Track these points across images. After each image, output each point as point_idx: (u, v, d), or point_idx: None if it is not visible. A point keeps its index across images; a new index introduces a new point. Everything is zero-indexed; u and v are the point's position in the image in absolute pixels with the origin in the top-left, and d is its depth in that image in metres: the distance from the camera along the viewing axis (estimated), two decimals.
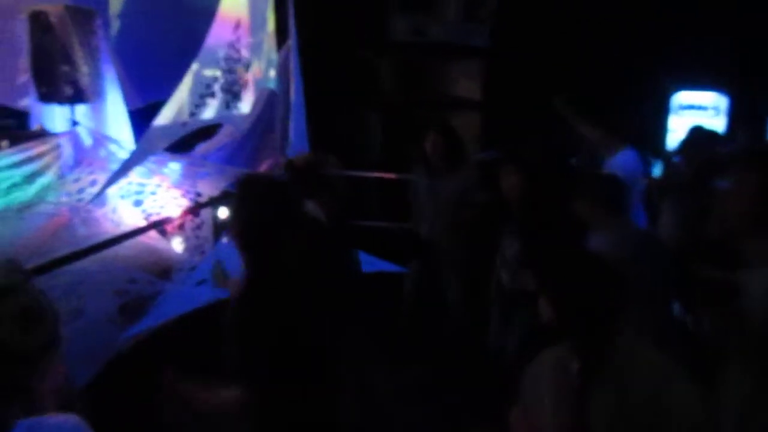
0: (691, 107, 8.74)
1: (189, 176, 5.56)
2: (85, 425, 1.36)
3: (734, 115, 8.45)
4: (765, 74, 8.74)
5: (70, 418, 1.33)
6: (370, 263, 5.95)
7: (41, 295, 1.26)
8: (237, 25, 5.18)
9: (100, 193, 4.42)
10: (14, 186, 4.86)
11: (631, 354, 1.74)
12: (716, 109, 8.62)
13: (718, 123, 8.25)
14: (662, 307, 3.18)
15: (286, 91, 6.06)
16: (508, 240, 3.91)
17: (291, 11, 5.76)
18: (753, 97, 8.45)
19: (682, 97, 8.86)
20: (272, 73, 6.07)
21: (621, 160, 4.62)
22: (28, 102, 5.65)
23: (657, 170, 6.19)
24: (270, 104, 6.11)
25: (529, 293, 3.46)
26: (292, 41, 6.00)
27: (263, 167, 6.13)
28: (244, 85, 5.38)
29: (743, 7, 7.76)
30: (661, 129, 8.47)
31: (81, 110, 5.41)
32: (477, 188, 4.99)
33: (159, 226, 5.16)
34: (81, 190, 4.93)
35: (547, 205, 3.83)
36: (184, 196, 5.55)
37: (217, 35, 4.93)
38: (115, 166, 4.66)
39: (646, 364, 1.73)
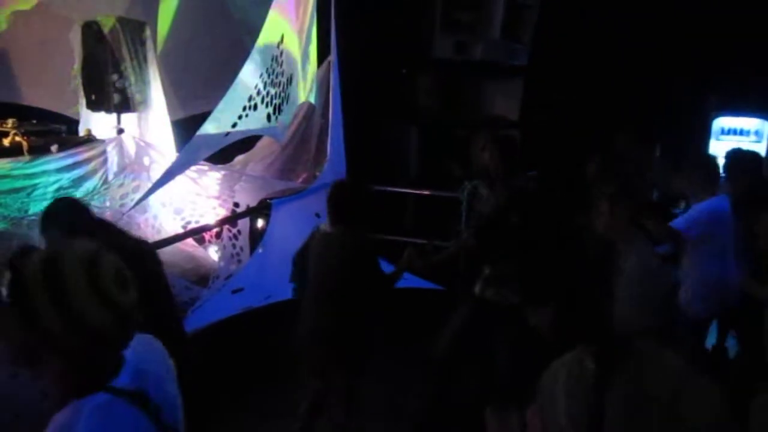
0: (732, 132, 8.60)
1: (227, 186, 5.68)
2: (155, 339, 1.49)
3: None
4: None
5: (145, 335, 1.44)
6: (405, 279, 5.98)
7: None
8: (281, 40, 5.28)
9: (143, 199, 4.54)
10: (62, 189, 5.03)
11: (647, 355, 1.74)
12: (758, 133, 8.47)
13: (760, 148, 8.10)
14: None
15: (325, 106, 6.15)
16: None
17: (333, 27, 5.85)
18: None
19: (723, 122, 8.73)
20: (312, 87, 6.17)
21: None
22: (78, 109, 5.84)
23: None
24: (309, 118, 6.21)
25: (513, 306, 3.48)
26: (333, 57, 6.09)
27: (299, 180, 6.22)
28: (285, 99, 5.48)
29: None
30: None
31: (127, 118, 5.58)
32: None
33: (198, 233, 5.27)
34: (125, 196, 5.08)
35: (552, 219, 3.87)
36: (222, 205, 5.67)
37: (262, 49, 5.04)
38: (157, 174, 4.78)
39: (663, 366, 1.72)
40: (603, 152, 5.18)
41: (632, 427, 1.67)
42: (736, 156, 5.57)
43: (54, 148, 5.25)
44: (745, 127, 8.57)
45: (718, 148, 8.28)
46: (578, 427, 1.74)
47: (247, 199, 5.63)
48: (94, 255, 1.28)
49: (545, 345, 1.92)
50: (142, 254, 2.68)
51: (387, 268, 6.01)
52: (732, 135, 8.64)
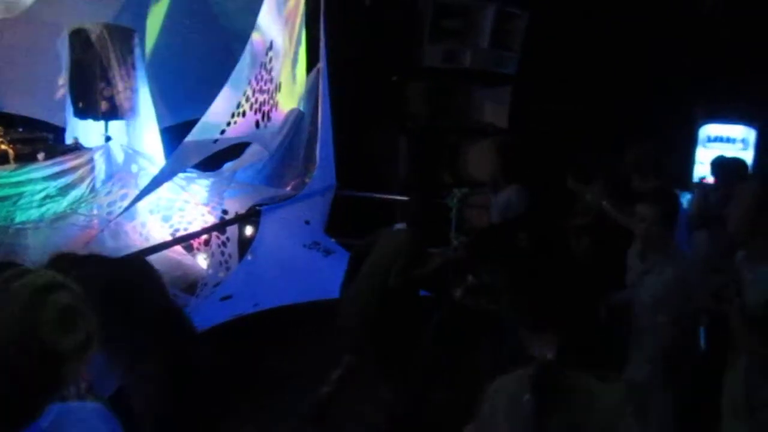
0: (719, 139, 8.67)
1: (216, 193, 5.66)
2: (105, 410, 1.41)
3: (762, 148, 8.37)
4: None
5: (91, 403, 1.39)
6: None
7: (78, 295, 1.27)
8: (269, 47, 5.29)
9: (130, 207, 4.52)
10: (49, 197, 5.00)
11: (584, 391, 1.77)
12: (744, 141, 8.54)
13: (746, 155, 8.16)
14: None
15: (315, 113, 6.15)
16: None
17: (322, 35, 5.87)
18: None
19: (710, 130, 8.79)
20: (302, 94, 6.17)
21: None
22: (65, 117, 5.80)
23: (685, 202, 6.14)
24: (297, 125, 6.21)
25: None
26: (322, 64, 6.10)
27: (288, 187, 6.20)
28: (273, 106, 5.47)
29: None
30: (688, 161, 8.41)
31: (115, 126, 5.55)
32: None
33: (185, 240, 5.24)
34: (112, 204, 5.05)
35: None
36: (210, 212, 5.64)
37: (250, 56, 5.04)
38: (145, 181, 4.76)
39: (597, 404, 1.76)
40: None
41: None
42: (721, 163, 5.63)
43: (41, 156, 5.22)
44: (732, 135, 8.64)
45: (705, 156, 8.35)
46: None
47: (236, 206, 5.60)
48: (40, 294, 1.22)
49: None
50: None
51: None
52: (719, 142, 8.71)
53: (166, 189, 5.24)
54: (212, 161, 5.74)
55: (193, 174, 5.62)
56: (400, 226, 4.10)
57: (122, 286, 1.99)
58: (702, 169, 8.22)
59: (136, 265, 2.74)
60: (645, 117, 7.90)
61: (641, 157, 4.67)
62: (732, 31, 7.93)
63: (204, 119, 4.36)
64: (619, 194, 4.45)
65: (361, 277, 3.96)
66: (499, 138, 5.53)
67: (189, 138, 4.21)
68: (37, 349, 1.19)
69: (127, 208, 4.50)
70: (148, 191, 4.24)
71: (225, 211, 5.59)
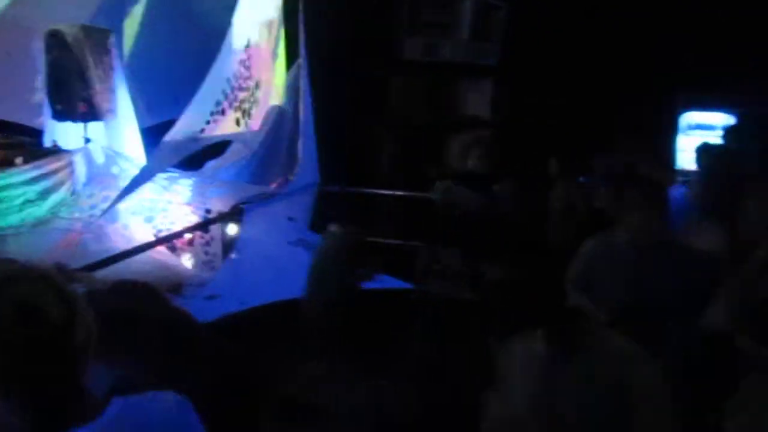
0: (700, 127, 8.73)
1: (199, 193, 5.63)
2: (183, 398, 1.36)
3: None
4: None
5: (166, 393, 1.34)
6: (380, 280, 5.98)
7: (50, 292, 1.22)
8: (247, 45, 5.26)
9: (111, 208, 4.48)
10: (28, 202, 4.94)
11: (597, 338, 1.78)
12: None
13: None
14: None
15: (296, 110, 6.13)
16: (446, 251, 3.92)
17: (302, 30, 5.84)
18: (763, 117, 8.43)
19: (691, 117, 8.85)
20: (282, 91, 6.15)
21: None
22: (43, 120, 5.74)
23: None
24: (280, 122, 6.18)
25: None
26: (302, 60, 6.08)
27: (273, 185, 6.18)
28: (254, 103, 5.45)
29: (753, 28, 7.78)
30: (670, 148, 8.46)
31: (94, 128, 5.50)
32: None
33: (169, 240, 5.21)
34: (93, 206, 5.01)
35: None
36: (194, 212, 5.61)
37: (229, 54, 5.01)
38: (126, 183, 4.72)
39: (611, 348, 1.77)
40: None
41: (582, 405, 1.71)
42: (706, 150, 5.67)
43: (18, 160, 5.16)
44: (713, 122, 8.70)
45: (687, 144, 8.40)
46: (534, 405, 1.78)
47: (219, 205, 5.58)
48: None
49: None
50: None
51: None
52: (700, 130, 8.76)
53: (147, 190, 5.21)
54: (194, 160, 5.71)
55: (175, 174, 5.58)
56: (333, 227, 3.93)
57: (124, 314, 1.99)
58: (684, 157, 8.27)
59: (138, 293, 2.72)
60: (626, 106, 7.95)
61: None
62: (712, 18, 7.99)
63: (182, 118, 4.33)
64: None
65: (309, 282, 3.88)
66: (483, 131, 5.53)
67: (167, 138, 4.18)
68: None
69: (107, 210, 4.47)
70: (127, 192, 4.21)
71: (208, 211, 5.56)
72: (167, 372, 1.80)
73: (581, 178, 6.19)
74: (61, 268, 3.13)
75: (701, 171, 5.38)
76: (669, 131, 8.55)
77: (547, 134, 7.19)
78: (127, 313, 2.19)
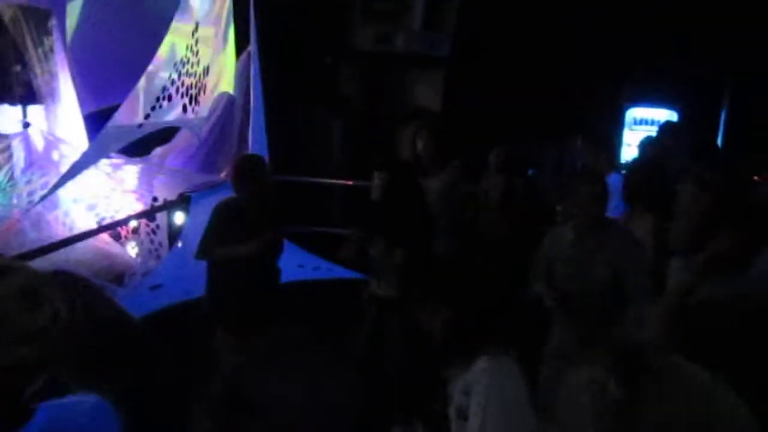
0: (644, 122, 9.00)
1: (145, 180, 5.51)
2: (105, 404, 1.35)
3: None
4: (715, 90, 9.05)
5: (91, 397, 1.33)
6: (329, 270, 5.97)
7: (39, 280, 1.24)
8: (195, 29, 5.15)
9: (50, 195, 4.34)
10: None
11: (670, 375, 1.63)
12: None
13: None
14: None
15: (246, 98, 6.04)
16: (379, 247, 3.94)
17: (252, 16, 5.75)
18: (703, 113, 8.74)
19: (635, 113, 9.12)
20: (231, 78, 6.05)
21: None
22: None
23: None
24: (229, 109, 6.09)
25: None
26: (252, 47, 5.98)
27: (222, 174, 6.09)
28: (202, 89, 5.34)
29: (696, 26, 8.03)
30: (616, 143, 8.69)
31: (34, 111, 5.31)
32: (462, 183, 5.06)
33: (111, 228, 5.09)
34: (32, 193, 4.84)
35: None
36: (139, 200, 5.49)
37: (175, 38, 4.90)
38: (67, 169, 4.58)
39: (687, 380, 1.61)
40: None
41: None
42: (644, 143, 5.88)
43: None
44: (656, 118, 8.97)
45: (631, 138, 8.64)
46: None
47: (166, 193, 5.47)
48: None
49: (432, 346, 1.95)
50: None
51: (312, 260, 6.01)
52: (644, 125, 9.04)
53: (90, 176, 5.06)
54: (141, 147, 5.57)
55: (119, 160, 5.44)
56: None
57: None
58: (629, 151, 8.52)
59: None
60: (574, 99, 8.12)
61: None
62: (654, 14, 8.21)
63: (126, 103, 4.22)
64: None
65: None
66: (428, 121, 5.56)
67: (111, 123, 4.07)
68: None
69: (45, 197, 4.32)
70: (68, 178, 4.08)
71: (155, 198, 5.45)
72: (96, 372, 1.76)
73: (530, 171, 6.32)
74: None
75: (638, 160, 5.60)
76: (614, 125, 8.77)
77: (492, 125, 7.28)
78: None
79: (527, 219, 5.10)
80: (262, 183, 3.91)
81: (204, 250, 3.95)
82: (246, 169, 3.97)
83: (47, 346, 1.20)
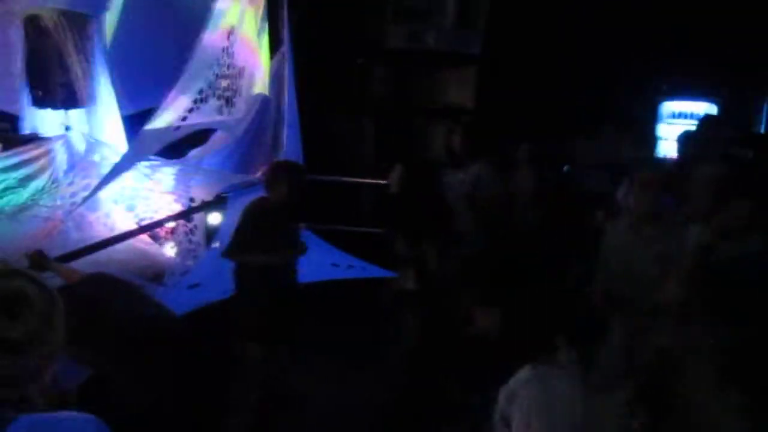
0: (682, 115, 8.82)
1: (182, 181, 5.60)
2: (100, 423, 1.29)
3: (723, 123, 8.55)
4: (753, 83, 8.83)
5: (83, 416, 1.28)
6: (362, 268, 6.00)
7: (32, 285, 1.23)
8: (231, 31, 5.22)
9: (91, 197, 4.45)
10: (8, 189, 4.89)
11: (695, 406, 1.61)
12: None
13: None
14: None
15: (280, 98, 6.11)
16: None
17: (286, 18, 5.81)
18: (742, 105, 8.54)
19: (673, 106, 8.94)
20: (266, 79, 6.12)
21: None
22: (21, 106, 5.66)
23: None
24: (263, 110, 6.16)
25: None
26: (285, 48, 6.04)
27: (258, 174, 6.17)
28: (237, 91, 5.42)
29: (732, 18, 7.86)
30: (651, 136, 8.54)
31: (75, 115, 5.44)
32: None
33: (150, 229, 5.19)
34: (74, 194, 4.96)
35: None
36: (176, 201, 5.59)
37: (211, 41, 4.97)
38: (107, 171, 4.69)
39: (713, 414, 1.59)
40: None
41: None
42: (686, 138, 5.77)
43: None
44: (695, 111, 8.79)
45: (669, 132, 8.48)
46: None
47: (203, 193, 5.55)
48: None
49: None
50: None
51: (341, 257, 6.05)
52: (681, 119, 8.86)
53: (129, 178, 5.17)
54: (177, 148, 5.67)
55: (157, 162, 5.54)
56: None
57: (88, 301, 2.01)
58: (666, 145, 8.36)
59: (104, 282, 2.73)
60: (609, 94, 8.01)
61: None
62: (693, 7, 8.05)
63: (164, 106, 4.30)
64: None
65: None
66: (462, 118, 5.56)
67: (149, 125, 4.16)
68: None
69: (87, 198, 4.43)
70: (108, 180, 4.18)
71: (192, 199, 5.54)
72: (132, 367, 1.80)
73: (565, 167, 6.26)
74: (41, 255, 3.12)
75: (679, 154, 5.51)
76: (649, 120, 8.62)
77: (525, 122, 7.22)
78: (97, 304, 2.19)
79: (561, 213, 5.05)
80: (294, 186, 3.93)
81: (230, 251, 3.98)
82: (280, 172, 4.00)
83: (22, 358, 1.18)
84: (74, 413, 1.28)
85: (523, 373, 1.84)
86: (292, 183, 3.93)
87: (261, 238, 3.84)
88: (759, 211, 2.60)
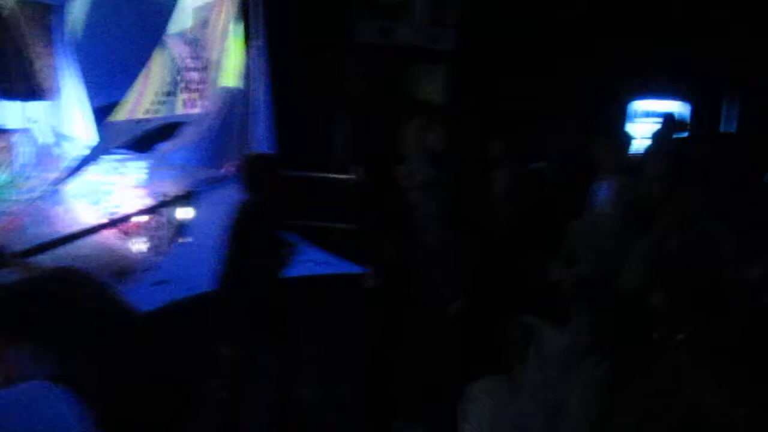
0: (651, 114, 8.91)
1: (150, 176, 5.50)
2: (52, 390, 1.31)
3: (695, 123, 8.70)
4: (725, 82, 8.97)
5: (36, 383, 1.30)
6: (333, 265, 5.95)
7: None
8: (202, 24, 5.13)
9: (50, 190, 4.33)
10: None
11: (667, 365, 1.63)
12: (678, 116, 8.81)
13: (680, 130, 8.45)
14: None
15: (250, 92, 6.02)
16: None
17: (260, 11, 5.72)
18: (712, 104, 8.67)
19: (641, 105, 9.04)
20: (238, 72, 6.02)
21: None
22: None
23: None
24: (233, 104, 6.06)
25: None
26: (259, 41, 5.95)
27: (224, 169, 6.07)
28: (204, 84, 5.32)
29: (703, 18, 7.96)
30: (621, 134, 8.62)
31: (37, 107, 5.30)
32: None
33: (116, 224, 5.08)
34: (33, 189, 4.82)
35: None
36: (144, 195, 5.48)
37: (178, 34, 4.88)
38: (68, 164, 4.57)
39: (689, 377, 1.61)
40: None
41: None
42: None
43: None
44: (663, 110, 8.89)
45: (637, 131, 8.57)
46: None
47: (170, 188, 5.46)
48: None
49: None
50: None
51: (317, 255, 5.99)
52: (650, 117, 8.95)
53: (93, 172, 5.05)
54: (145, 142, 5.55)
55: (124, 156, 5.44)
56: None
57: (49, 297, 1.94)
58: (635, 144, 8.44)
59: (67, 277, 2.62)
60: (579, 91, 8.06)
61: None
62: (664, 6, 8.15)
63: (128, 99, 4.20)
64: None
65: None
66: (435, 114, 5.53)
67: (113, 118, 4.05)
68: None
69: (49, 191, 4.31)
70: (68, 174, 4.07)
71: (159, 194, 5.44)
72: (93, 363, 1.75)
73: (534, 164, 6.27)
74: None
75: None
76: (619, 118, 8.71)
77: (497, 118, 7.23)
78: (59, 300, 2.11)
79: (532, 211, 5.05)
80: (275, 183, 3.74)
81: (231, 262, 3.74)
82: (259, 170, 3.76)
83: None
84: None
85: (480, 382, 1.87)
86: (275, 180, 3.74)
87: (256, 242, 3.65)
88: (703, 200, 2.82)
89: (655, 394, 1.61)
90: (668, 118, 7.00)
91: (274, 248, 3.71)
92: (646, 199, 2.84)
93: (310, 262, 5.87)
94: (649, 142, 5.95)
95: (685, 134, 8.43)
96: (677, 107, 8.80)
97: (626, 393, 1.68)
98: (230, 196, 5.52)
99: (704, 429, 1.47)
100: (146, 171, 5.54)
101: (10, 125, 5.25)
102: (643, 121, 8.90)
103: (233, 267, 3.58)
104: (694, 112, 8.94)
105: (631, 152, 7.93)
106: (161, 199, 5.37)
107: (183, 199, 5.33)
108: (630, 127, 8.83)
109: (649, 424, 1.55)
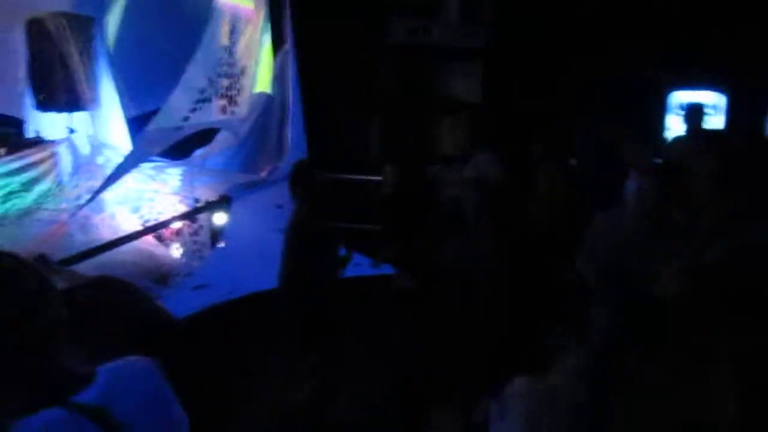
0: (686, 107, 8.71)
1: (187, 182, 5.59)
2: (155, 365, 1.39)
3: (733, 114, 8.46)
4: (763, 72, 8.71)
5: (140, 359, 1.38)
6: (369, 266, 5.97)
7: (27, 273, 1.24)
8: (232, 31, 5.20)
9: (93, 199, 4.44)
10: (12, 193, 4.90)
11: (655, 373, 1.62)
12: (715, 108, 8.58)
13: (716, 122, 8.22)
14: None
15: (284, 96, 6.08)
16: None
17: (288, 16, 5.77)
18: (751, 95, 8.43)
19: (680, 96, 8.83)
20: (269, 77, 6.09)
21: None
22: (26, 109, 5.67)
23: None
24: (267, 109, 6.13)
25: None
26: (289, 46, 6.01)
27: (263, 173, 6.15)
28: (240, 90, 5.40)
29: (741, 6, 7.75)
30: (659, 128, 8.45)
31: (79, 117, 5.44)
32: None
33: (155, 230, 5.18)
34: (79, 197, 4.96)
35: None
36: (182, 201, 5.57)
37: (212, 42, 4.95)
38: (111, 173, 4.69)
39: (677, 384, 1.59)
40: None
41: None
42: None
43: (2, 151, 5.10)
44: (703, 101, 8.68)
45: (676, 123, 8.39)
46: None
47: (207, 193, 5.54)
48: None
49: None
50: None
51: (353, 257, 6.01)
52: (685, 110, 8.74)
53: (134, 179, 5.16)
54: (182, 149, 5.65)
55: (162, 163, 5.54)
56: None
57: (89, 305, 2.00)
58: (673, 136, 8.27)
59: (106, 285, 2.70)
60: (616, 85, 7.92)
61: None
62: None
63: (165, 106, 4.28)
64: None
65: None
66: (468, 113, 5.50)
67: (151, 126, 4.14)
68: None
69: (90, 199, 4.42)
70: (111, 182, 4.17)
71: (197, 200, 5.53)
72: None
73: (571, 161, 6.19)
74: (44, 260, 3.11)
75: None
76: (657, 111, 8.53)
77: (533, 117, 7.16)
78: (102, 307, 2.17)
79: (571, 209, 4.99)
80: (318, 192, 3.82)
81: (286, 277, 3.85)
82: (310, 176, 3.86)
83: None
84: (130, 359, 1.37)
85: (515, 385, 1.83)
86: (324, 184, 3.83)
87: (315, 247, 3.72)
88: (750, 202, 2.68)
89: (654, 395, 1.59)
90: (693, 110, 6.57)
91: (332, 252, 3.79)
92: (684, 199, 2.67)
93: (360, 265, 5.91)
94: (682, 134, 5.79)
95: (721, 126, 8.23)
96: (713, 98, 8.59)
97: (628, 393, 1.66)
98: (267, 200, 5.62)
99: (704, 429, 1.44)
100: (184, 177, 5.63)
101: (52, 136, 5.41)
102: (680, 114, 8.70)
103: (297, 273, 3.66)
104: (731, 103, 8.71)
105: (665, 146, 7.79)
106: (199, 204, 5.46)
107: (220, 204, 5.41)
108: (669, 120, 8.65)
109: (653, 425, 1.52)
